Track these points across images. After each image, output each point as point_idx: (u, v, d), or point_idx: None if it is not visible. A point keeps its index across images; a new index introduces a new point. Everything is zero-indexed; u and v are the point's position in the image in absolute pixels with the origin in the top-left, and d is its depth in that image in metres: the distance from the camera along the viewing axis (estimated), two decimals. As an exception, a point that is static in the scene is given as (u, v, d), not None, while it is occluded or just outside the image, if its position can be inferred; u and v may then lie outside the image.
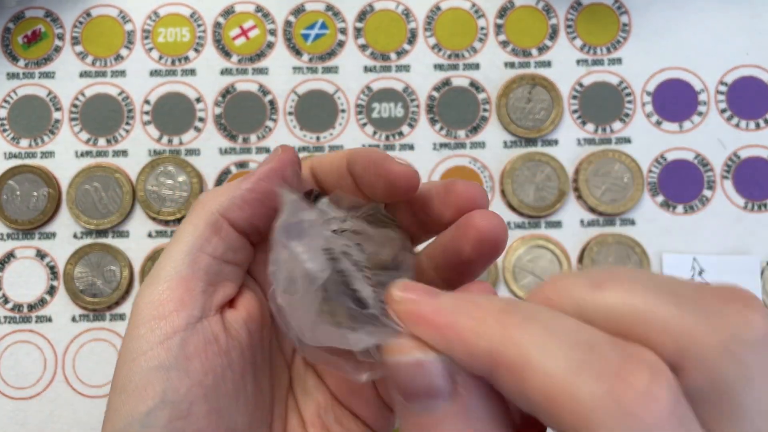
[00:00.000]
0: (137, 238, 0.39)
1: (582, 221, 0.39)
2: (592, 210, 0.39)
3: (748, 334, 0.15)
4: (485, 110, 0.40)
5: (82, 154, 0.40)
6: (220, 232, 0.24)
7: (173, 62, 0.40)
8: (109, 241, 0.39)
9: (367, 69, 0.40)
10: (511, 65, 0.40)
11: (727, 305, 0.15)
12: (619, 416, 0.14)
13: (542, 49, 0.40)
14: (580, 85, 0.40)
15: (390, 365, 0.17)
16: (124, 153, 0.39)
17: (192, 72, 0.40)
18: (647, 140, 0.39)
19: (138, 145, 0.40)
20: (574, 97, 0.40)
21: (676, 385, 0.14)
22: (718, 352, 0.15)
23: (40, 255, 0.39)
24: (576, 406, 0.14)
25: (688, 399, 0.15)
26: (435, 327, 0.16)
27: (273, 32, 0.40)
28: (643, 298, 0.15)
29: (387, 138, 0.40)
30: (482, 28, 0.40)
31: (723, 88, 0.40)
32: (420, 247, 0.24)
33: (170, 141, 0.40)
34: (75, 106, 0.40)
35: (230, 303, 0.25)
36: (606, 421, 0.14)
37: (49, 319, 0.38)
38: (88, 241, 0.39)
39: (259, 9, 0.41)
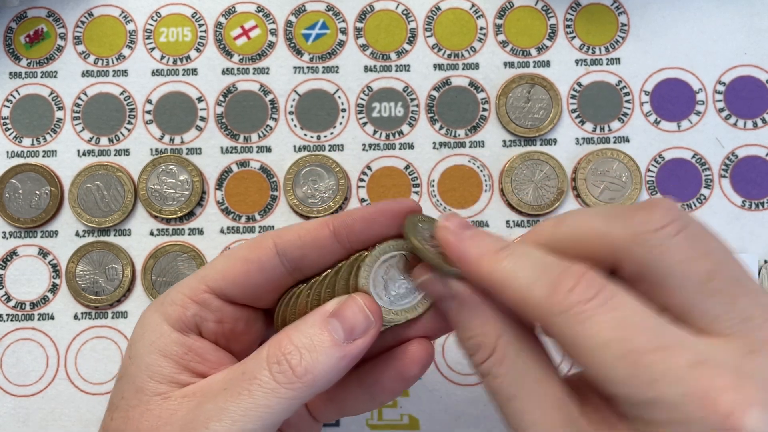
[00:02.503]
0: (139, 237, 0.39)
1: (581, 220, 0.39)
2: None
3: (650, 225, 0.21)
4: (484, 110, 0.40)
5: (84, 153, 0.40)
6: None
7: (175, 62, 0.40)
8: (111, 239, 0.39)
9: (367, 69, 0.40)
10: (511, 65, 0.40)
11: (639, 211, 0.21)
12: (556, 311, 0.21)
13: (541, 49, 0.40)
14: (579, 84, 0.40)
15: (420, 285, 0.26)
16: (126, 152, 0.40)
17: (193, 71, 0.40)
18: (645, 139, 0.40)
19: (140, 144, 0.40)
20: (573, 97, 0.40)
21: (599, 282, 0.21)
22: (631, 243, 0.21)
23: (43, 253, 0.39)
24: (533, 308, 0.21)
25: (632, 285, 0.21)
26: (455, 252, 0.24)
27: (274, 32, 0.41)
28: (585, 224, 0.23)
29: (387, 137, 0.40)
30: (481, 28, 0.41)
31: (721, 88, 0.40)
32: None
33: (172, 140, 0.40)
34: (77, 105, 0.40)
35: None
36: (550, 315, 0.21)
37: (51, 317, 0.39)
38: (90, 239, 0.39)
39: (260, 9, 0.41)
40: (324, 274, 0.27)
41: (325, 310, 0.25)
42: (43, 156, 0.40)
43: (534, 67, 0.40)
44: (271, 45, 0.41)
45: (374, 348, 0.27)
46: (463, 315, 0.24)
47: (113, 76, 0.40)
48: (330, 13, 0.41)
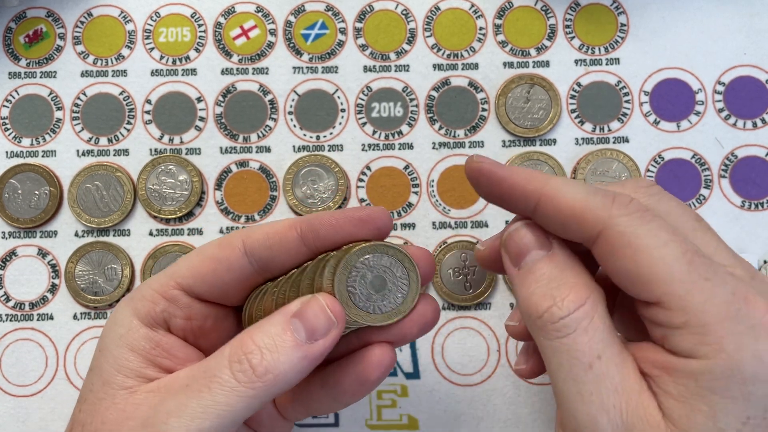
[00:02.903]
0: (138, 237, 0.39)
1: (580, 220, 0.39)
2: (590, 209, 0.39)
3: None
4: (484, 110, 0.40)
5: (83, 153, 0.40)
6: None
7: (174, 62, 0.40)
8: (111, 239, 0.39)
9: (366, 69, 0.40)
10: (510, 65, 0.40)
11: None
12: (619, 213, 0.23)
13: (540, 49, 0.40)
14: (578, 84, 0.40)
15: (504, 241, 0.26)
16: (125, 152, 0.40)
17: (193, 72, 0.40)
18: (645, 139, 0.40)
19: (139, 144, 0.40)
20: (572, 97, 0.40)
21: (647, 205, 0.24)
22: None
23: (42, 253, 0.39)
24: (593, 211, 0.23)
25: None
26: (499, 175, 0.25)
27: (273, 32, 0.41)
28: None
29: (386, 137, 0.40)
30: (481, 29, 0.41)
31: (720, 88, 0.40)
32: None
33: (171, 140, 0.40)
34: (76, 105, 0.40)
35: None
36: (612, 216, 0.23)
37: (51, 317, 0.39)
38: (89, 239, 0.39)
39: (259, 9, 0.41)
40: (290, 273, 0.27)
41: (289, 310, 0.25)
42: (43, 156, 0.40)
43: (533, 67, 0.40)
44: (271, 45, 0.41)
45: (339, 349, 0.27)
46: (556, 266, 0.24)
47: (112, 76, 0.40)
48: (329, 13, 0.41)
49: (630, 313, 0.24)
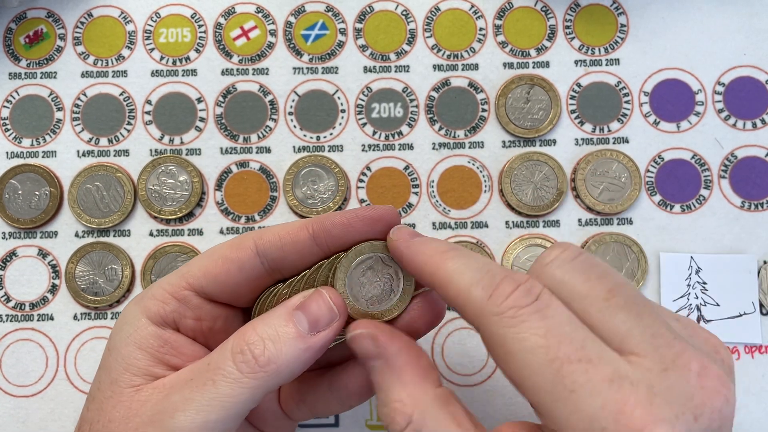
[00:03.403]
0: (138, 237, 0.39)
1: (580, 220, 0.39)
2: (589, 209, 0.39)
3: (546, 258, 0.24)
4: (484, 110, 0.40)
5: (83, 154, 0.40)
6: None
7: (174, 62, 0.40)
8: (111, 239, 0.39)
9: (366, 69, 0.40)
10: (510, 66, 0.40)
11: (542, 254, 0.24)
12: (491, 311, 0.22)
13: (540, 50, 0.40)
14: (578, 85, 0.40)
15: (349, 343, 0.26)
16: (126, 152, 0.40)
17: (193, 72, 0.40)
18: (645, 140, 0.40)
19: (139, 145, 0.40)
20: (572, 98, 0.40)
21: (537, 290, 0.22)
22: (535, 275, 0.24)
23: (42, 254, 0.39)
24: (471, 306, 0.23)
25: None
26: (404, 258, 0.26)
27: (273, 33, 0.41)
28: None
29: (386, 138, 0.40)
30: (481, 29, 0.41)
31: (720, 89, 0.40)
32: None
33: (171, 141, 0.40)
34: (77, 105, 0.40)
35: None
36: (485, 314, 0.22)
37: (51, 318, 0.39)
38: (89, 239, 0.39)
39: (259, 10, 0.41)
40: (302, 274, 0.28)
41: (292, 303, 0.26)
42: (43, 156, 0.40)
43: (533, 67, 0.40)
44: (271, 46, 0.41)
45: (348, 351, 0.28)
46: (388, 376, 0.25)
47: (113, 76, 0.40)
48: (329, 13, 0.41)
49: None
